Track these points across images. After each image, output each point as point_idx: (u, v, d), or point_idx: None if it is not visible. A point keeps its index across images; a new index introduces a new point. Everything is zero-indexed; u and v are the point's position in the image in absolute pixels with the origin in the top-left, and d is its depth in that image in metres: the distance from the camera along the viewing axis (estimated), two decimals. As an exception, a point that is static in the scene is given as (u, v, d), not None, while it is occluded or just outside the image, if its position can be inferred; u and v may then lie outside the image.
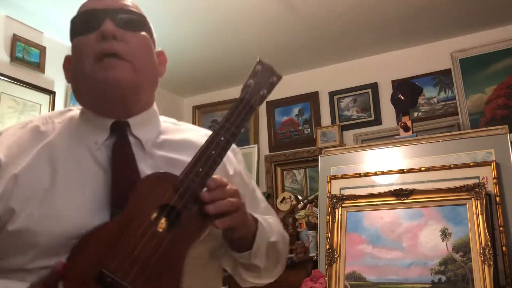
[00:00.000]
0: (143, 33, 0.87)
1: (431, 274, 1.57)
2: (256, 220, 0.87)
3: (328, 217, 1.86)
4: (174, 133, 0.93)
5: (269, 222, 0.93)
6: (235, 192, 0.79)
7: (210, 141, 0.77)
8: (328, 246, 1.78)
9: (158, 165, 0.83)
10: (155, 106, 0.94)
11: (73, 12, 0.90)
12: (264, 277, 0.95)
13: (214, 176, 0.77)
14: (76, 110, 0.92)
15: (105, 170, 0.80)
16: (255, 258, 0.85)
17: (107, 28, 0.80)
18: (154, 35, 0.94)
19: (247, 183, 1.00)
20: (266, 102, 3.79)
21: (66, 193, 0.77)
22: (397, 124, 2.45)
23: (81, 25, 0.84)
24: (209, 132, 0.92)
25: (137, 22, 0.87)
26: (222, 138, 0.77)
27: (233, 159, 0.97)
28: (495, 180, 1.63)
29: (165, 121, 0.97)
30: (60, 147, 0.83)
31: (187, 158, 0.80)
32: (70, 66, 0.89)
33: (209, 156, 0.75)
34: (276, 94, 3.80)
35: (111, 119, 0.86)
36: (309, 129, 3.61)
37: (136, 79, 0.83)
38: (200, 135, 0.95)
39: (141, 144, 0.86)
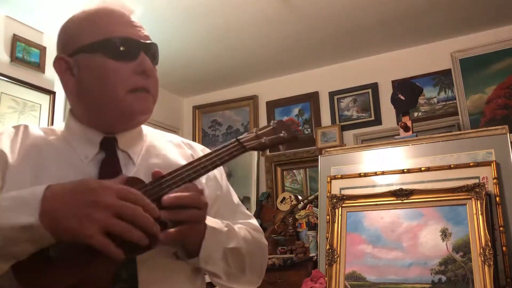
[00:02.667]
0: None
1: (431, 274, 1.57)
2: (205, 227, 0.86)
3: (328, 217, 1.86)
4: (157, 139, 0.99)
5: (232, 227, 0.92)
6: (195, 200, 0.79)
7: (189, 163, 0.80)
8: (328, 246, 1.78)
9: (145, 175, 0.85)
10: None
11: (74, 12, 0.91)
12: (233, 283, 0.94)
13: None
14: (58, 129, 0.93)
15: None
16: (207, 265, 0.85)
17: (148, 67, 0.86)
18: None
19: (222, 188, 1.03)
20: (266, 102, 3.80)
21: None
22: (397, 124, 2.45)
23: (115, 50, 0.85)
24: (184, 141, 1.03)
25: (157, 55, 0.93)
26: (202, 166, 0.80)
27: None
28: (495, 180, 1.63)
29: (149, 131, 1.01)
30: (49, 156, 0.86)
31: (170, 162, 0.90)
32: (74, 75, 0.88)
33: (180, 174, 0.78)
34: (276, 94, 3.82)
35: (101, 134, 0.89)
36: (309, 129, 3.61)
37: (153, 108, 0.92)
38: (176, 141, 1.03)
39: (130, 157, 0.90)
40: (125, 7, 0.92)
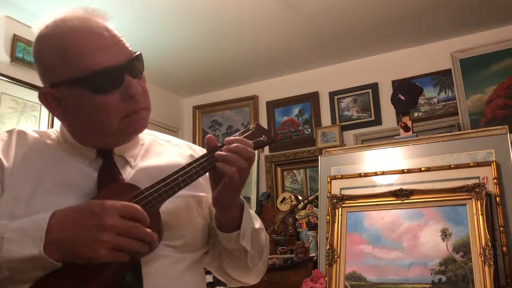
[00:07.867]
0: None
1: (431, 274, 1.57)
2: (242, 202, 0.92)
3: (328, 217, 1.86)
4: (154, 140, 1.00)
5: (252, 211, 0.98)
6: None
7: (181, 168, 0.84)
8: (328, 246, 1.78)
9: (144, 177, 0.87)
10: None
11: (40, 26, 0.86)
12: (248, 270, 0.97)
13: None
14: (53, 133, 0.93)
15: (93, 186, 0.84)
16: (243, 240, 0.89)
17: (135, 91, 0.82)
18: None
19: None
20: (266, 102, 3.80)
21: (49, 200, 0.78)
22: (397, 124, 2.45)
23: (97, 84, 0.80)
24: (182, 142, 1.04)
25: (142, 64, 0.87)
26: (193, 170, 0.84)
27: None
28: (495, 180, 1.63)
29: (146, 133, 1.00)
30: (48, 160, 0.86)
31: (168, 164, 0.91)
32: (62, 106, 0.85)
33: (175, 179, 0.82)
34: (277, 94, 3.82)
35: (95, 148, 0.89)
36: (309, 129, 3.61)
37: (148, 118, 0.90)
38: (175, 142, 1.04)
39: (127, 160, 0.91)
40: (100, 14, 0.85)
